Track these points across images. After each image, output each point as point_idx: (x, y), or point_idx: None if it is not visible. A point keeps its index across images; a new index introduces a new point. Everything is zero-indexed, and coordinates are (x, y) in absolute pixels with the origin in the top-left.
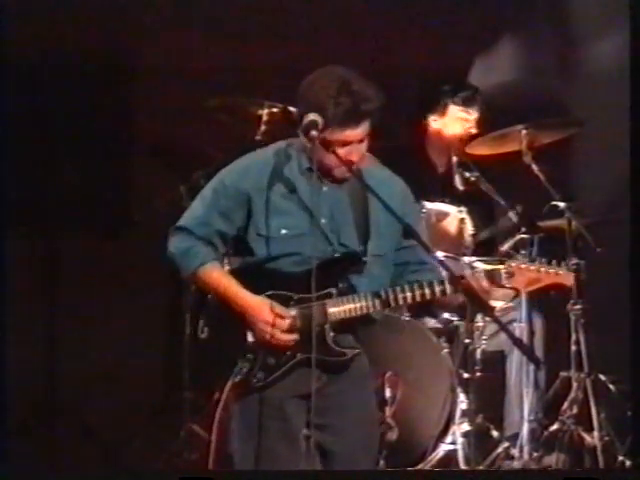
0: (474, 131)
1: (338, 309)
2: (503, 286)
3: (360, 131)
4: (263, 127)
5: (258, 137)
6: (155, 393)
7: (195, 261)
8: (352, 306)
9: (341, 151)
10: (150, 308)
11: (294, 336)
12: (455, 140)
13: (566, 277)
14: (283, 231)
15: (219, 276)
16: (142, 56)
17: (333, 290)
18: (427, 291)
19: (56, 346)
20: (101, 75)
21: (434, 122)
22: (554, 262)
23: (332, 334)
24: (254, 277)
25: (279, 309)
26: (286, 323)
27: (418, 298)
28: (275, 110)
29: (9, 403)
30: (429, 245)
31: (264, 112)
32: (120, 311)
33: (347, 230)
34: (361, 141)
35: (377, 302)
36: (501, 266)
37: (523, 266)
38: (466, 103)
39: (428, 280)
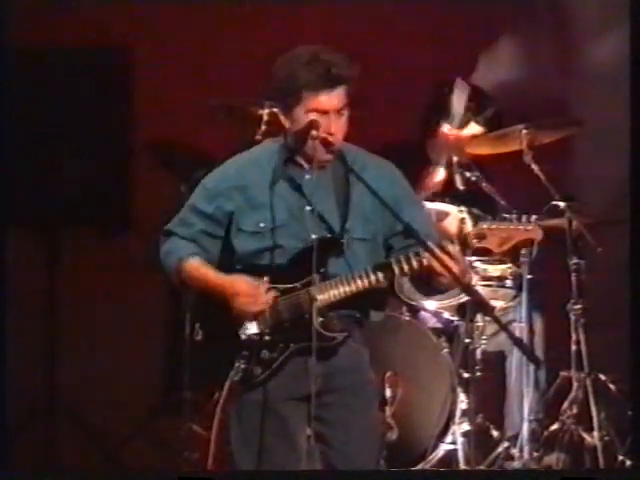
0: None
1: (323, 294)
2: (475, 249)
3: (335, 97)
4: (263, 127)
5: (258, 137)
6: (155, 393)
7: (175, 256)
8: (336, 290)
9: (324, 121)
10: (150, 308)
11: (272, 293)
12: (461, 144)
13: (535, 232)
14: (262, 224)
15: (197, 267)
16: (142, 55)
17: (316, 276)
18: (405, 266)
19: (56, 346)
20: (101, 74)
21: (448, 130)
22: (523, 218)
23: (320, 319)
24: (238, 271)
25: (254, 282)
26: (264, 287)
27: (397, 272)
28: (275, 110)
29: (9, 403)
30: (428, 246)
31: (264, 112)
32: (120, 311)
33: (330, 216)
34: (338, 112)
35: (359, 283)
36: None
37: (493, 226)
38: (487, 123)
39: (405, 255)
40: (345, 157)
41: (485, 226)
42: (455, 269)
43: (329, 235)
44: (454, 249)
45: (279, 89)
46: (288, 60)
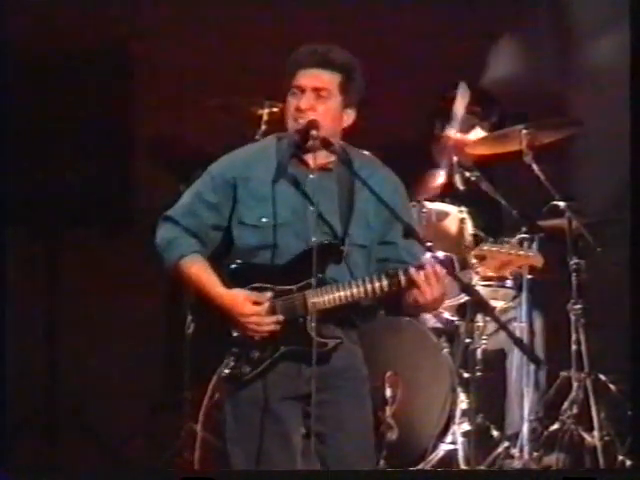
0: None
1: (318, 299)
2: (475, 270)
3: (314, 76)
4: (263, 127)
5: (258, 137)
6: (155, 393)
7: (176, 252)
8: (331, 296)
9: (300, 99)
10: (150, 308)
11: (275, 318)
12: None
13: (536, 259)
14: (264, 219)
15: (197, 270)
16: (142, 55)
17: (312, 280)
18: (402, 278)
19: (56, 346)
20: (101, 74)
21: (453, 135)
22: (525, 244)
23: (313, 325)
24: (236, 271)
25: (254, 296)
26: (264, 308)
27: (394, 287)
28: (275, 110)
29: (9, 403)
30: (428, 246)
31: (264, 112)
32: (120, 310)
33: (332, 219)
34: (317, 92)
35: (355, 291)
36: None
37: (494, 249)
38: (492, 129)
39: (404, 268)
40: (352, 162)
41: (486, 248)
42: (428, 294)
43: (330, 240)
44: (439, 271)
45: (284, 79)
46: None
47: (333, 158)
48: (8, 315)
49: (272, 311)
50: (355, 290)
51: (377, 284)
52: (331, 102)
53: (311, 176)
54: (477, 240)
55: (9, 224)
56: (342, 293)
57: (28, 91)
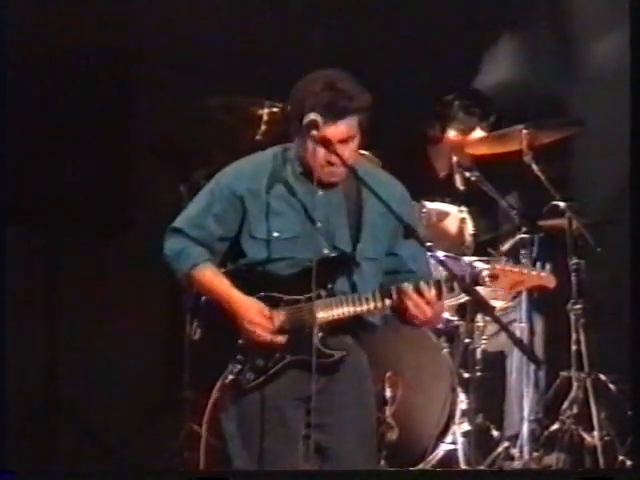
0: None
1: (326, 311)
2: (486, 286)
3: (340, 128)
4: (263, 127)
5: (258, 137)
6: (155, 393)
7: (187, 262)
8: (340, 308)
9: (322, 152)
10: (150, 308)
11: (281, 338)
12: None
13: (548, 279)
14: (276, 234)
15: (211, 276)
16: (142, 55)
17: (322, 292)
18: (395, 297)
19: (56, 346)
20: (101, 74)
21: (454, 137)
22: (538, 264)
23: (320, 335)
24: (246, 279)
25: (267, 311)
26: (273, 325)
27: (396, 303)
28: (275, 110)
29: (9, 403)
30: (429, 246)
31: (264, 112)
32: (120, 311)
33: (341, 233)
34: (344, 141)
35: (365, 304)
36: (485, 267)
37: (507, 268)
38: (490, 128)
39: (414, 282)
40: (357, 171)
41: (499, 266)
42: (428, 312)
43: (340, 253)
44: (429, 292)
45: (290, 111)
46: (303, 85)
47: (340, 169)
48: (8, 315)
49: (280, 329)
50: (364, 305)
51: (381, 299)
52: (354, 143)
53: (319, 192)
54: (477, 240)
55: (9, 224)
56: (350, 307)
57: (28, 91)
